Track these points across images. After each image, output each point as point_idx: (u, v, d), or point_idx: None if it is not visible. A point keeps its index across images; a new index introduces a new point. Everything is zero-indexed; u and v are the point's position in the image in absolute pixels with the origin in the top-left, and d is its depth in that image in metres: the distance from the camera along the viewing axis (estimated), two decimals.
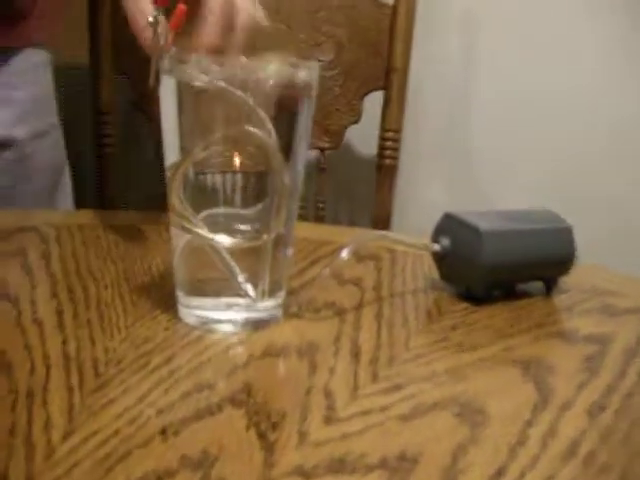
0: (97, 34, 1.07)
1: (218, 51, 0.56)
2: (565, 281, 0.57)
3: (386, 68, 1.12)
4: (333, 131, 1.13)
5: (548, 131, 1.27)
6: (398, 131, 1.12)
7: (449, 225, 0.54)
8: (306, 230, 0.55)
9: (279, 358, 0.41)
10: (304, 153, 0.45)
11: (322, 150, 1.13)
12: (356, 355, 0.42)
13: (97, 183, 1.13)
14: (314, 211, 1.15)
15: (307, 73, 0.43)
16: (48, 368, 0.38)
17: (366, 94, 1.13)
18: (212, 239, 0.43)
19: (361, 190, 1.27)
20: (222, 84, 0.40)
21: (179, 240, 0.45)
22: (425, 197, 1.30)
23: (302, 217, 1.06)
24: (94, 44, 1.08)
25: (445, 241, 0.54)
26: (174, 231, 0.45)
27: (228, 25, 0.58)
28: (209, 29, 0.57)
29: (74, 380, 0.37)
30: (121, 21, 1.02)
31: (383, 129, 1.12)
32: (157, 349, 0.41)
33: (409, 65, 1.12)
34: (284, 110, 0.42)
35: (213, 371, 0.39)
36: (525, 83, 1.27)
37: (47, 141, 0.85)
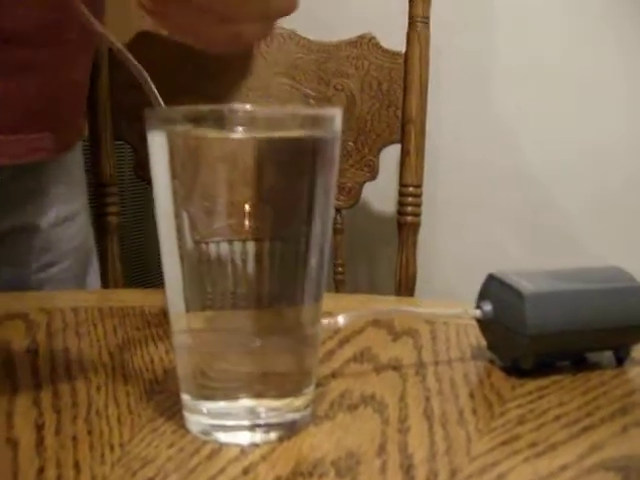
0: (95, 99, 1.01)
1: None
2: (638, 348, 0.48)
3: (401, 120, 1.05)
4: (348, 189, 1.06)
5: (573, 184, 1.20)
6: (418, 185, 1.04)
7: (492, 288, 0.46)
8: (328, 301, 0.47)
9: (313, 479, 0.32)
10: (329, 211, 0.37)
11: (338, 210, 1.06)
12: (408, 470, 0.33)
13: (101, 259, 1.05)
14: (332, 275, 1.06)
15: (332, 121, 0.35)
16: None
17: (382, 148, 1.06)
18: None
19: (382, 250, 1.19)
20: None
21: (180, 323, 0.37)
22: (450, 254, 1.22)
23: None
24: (92, 110, 1.01)
25: (487, 306, 0.46)
26: (175, 312, 0.37)
27: None
28: None
29: None
30: (120, 85, 0.97)
31: (402, 184, 1.04)
32: (159, 475, 0.32)
33: (425, 115, 1.05)
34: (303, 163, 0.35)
35: None
36: (545, 129, 1.21)
37: (75, 225, 0.80)
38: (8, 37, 0.64)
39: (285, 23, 1.06)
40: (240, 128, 0.33)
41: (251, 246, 0.36)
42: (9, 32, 0.64)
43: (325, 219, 0.36)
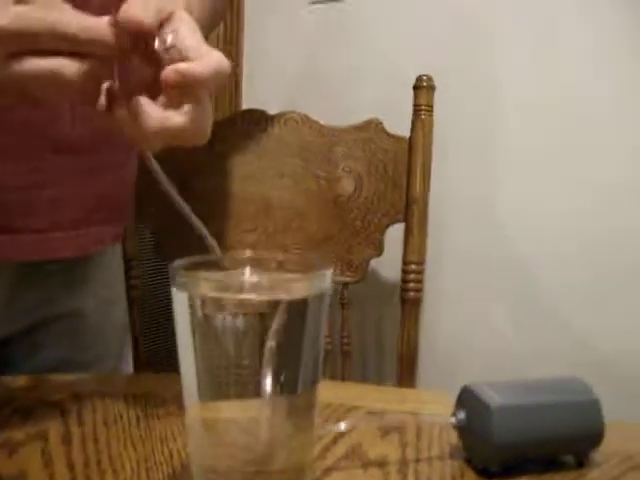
0: None
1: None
2: (597, 451, 0.55)
3: (405, 200, 1.12)
4: (356, 265, 1.13)
5: (569, 274, 1.25)
6: (421, 263, 1.11)
7: (466, 398, 0.54)
8: (329, 392, 0.54)
9: None
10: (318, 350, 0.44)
11: (345, 284, 1.13)
12: None
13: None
14: (340, 347, 1.14)
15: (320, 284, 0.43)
16: None
17: (387, 227, 1.14)
18: None
19: (387, 322, 1.26)
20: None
21: (194, 413, 0.44)
22: (452, 329, 1.29)
23: (328, 352, 1.06)
24: None
25: (461, 415, 0.53)
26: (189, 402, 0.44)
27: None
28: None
29: None
30: (141, 174, 1.05)
31: (405, 262, 1.11)
32: None
33: (428, 196, 1.12)
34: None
35: None
36: (544, 220, 1.27)
37: (116, 308, 0.87)
38: (64, 148, 0.72)
39: (299, 108, 1.15)
40: (248, 286, 0.41)
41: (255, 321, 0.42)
42: (66, 144, 0.72)
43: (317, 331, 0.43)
